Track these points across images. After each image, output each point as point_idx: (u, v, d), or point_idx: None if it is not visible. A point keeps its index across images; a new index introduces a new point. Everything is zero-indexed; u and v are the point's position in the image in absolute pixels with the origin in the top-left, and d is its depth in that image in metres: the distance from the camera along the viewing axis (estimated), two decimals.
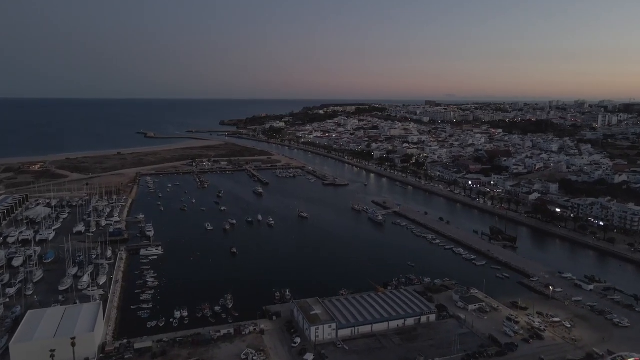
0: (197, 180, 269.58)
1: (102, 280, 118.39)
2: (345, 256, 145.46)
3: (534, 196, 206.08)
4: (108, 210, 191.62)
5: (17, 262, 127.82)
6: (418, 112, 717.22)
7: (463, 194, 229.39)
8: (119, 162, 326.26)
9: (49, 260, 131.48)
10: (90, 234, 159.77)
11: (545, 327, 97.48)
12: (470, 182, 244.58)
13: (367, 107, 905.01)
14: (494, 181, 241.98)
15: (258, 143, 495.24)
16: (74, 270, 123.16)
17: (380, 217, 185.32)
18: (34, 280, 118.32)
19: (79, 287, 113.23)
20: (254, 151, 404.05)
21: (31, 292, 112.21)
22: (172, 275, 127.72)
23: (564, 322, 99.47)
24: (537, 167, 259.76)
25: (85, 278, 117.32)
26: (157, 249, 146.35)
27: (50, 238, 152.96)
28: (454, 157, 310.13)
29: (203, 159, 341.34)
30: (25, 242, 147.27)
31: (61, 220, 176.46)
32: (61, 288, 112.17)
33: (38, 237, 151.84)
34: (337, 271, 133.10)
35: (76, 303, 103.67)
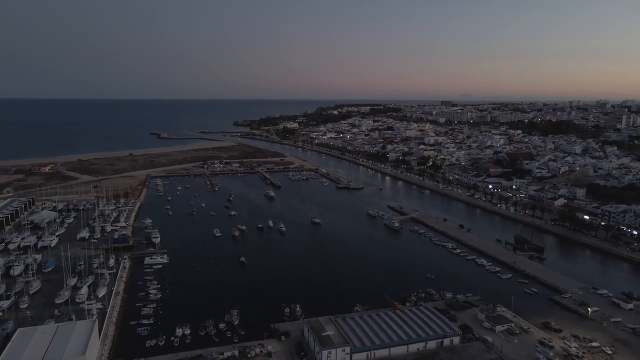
0: (208, 182, 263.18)
1: (102, 292, 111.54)
2: (360, 266, 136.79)
3: (560, 202, 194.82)
4: (115, 214, 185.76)
5: (15, 271, 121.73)
6: (434, 112, 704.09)
7: (483, 198, 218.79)
8: (129, 164, 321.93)
9: (49, 270, 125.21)
10: (95, 240, 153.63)
11: (584, 353, 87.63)
12: (490, 187, 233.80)
13: (381, 107, 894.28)
14: (516, 185, 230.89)
15: (271, 144, 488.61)
16: (73, 281, 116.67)
17: (397, 224, 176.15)
18: (31, 292, 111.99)
19: (77, 300, 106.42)
20: (266, 152, 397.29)
21: (26, 304, 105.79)
22: (176, 287, 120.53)
23: (604, 348, 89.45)
24: (561, 170, 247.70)
25: (84, 290, 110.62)
26: (162, 257, 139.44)
27: (52, 244, 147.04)
28: (473, 160, 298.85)
29: (215, 161, 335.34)
30: (27, 249, 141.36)
31: (66, 225, 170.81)
32: (57, 301, 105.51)
33: (40, 244, 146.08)
34: (351, 283, 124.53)
35: (71, 319, 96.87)
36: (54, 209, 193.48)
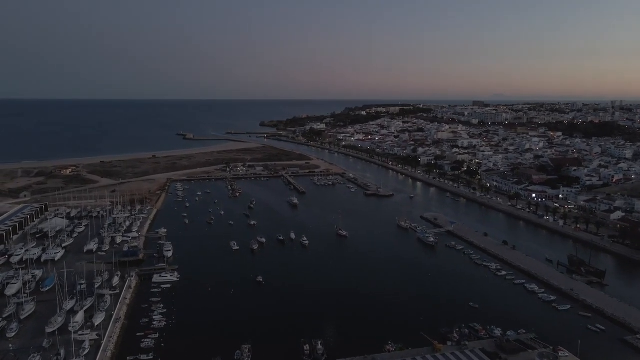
0: (229, 187, 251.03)
1: (99, 318, 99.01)
2: (392, 291, 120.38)
3: (617, 215, 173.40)
4: (128, 223, 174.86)
5: (10, 290, 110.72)
6: (466, 113, 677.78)
7: (527, 209, 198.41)
8: (151, 167, 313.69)
9: (47, 289, 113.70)
10: (103, 253, 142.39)
11: None
12: (534, 196, 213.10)
13: (411, 107, 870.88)
14: (563, 195, 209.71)
15: (297, 146, 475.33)
16: (69, 304, 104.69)
17: (432, 239, 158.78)
18: (23, 316, 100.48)
19: (70, 329, 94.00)
20: (292, 155, 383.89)
21: (14, 332, 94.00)
22: (184, 312, 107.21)
23: None
24: (614, 178, 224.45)
25: (79, 317, 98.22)
26: (171, 275, 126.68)
27: (57, 258, 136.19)
28: (513, 165, 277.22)
29: (238, 164, 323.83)
30: (31, 263, 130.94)
31: (75, 234, 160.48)
32: (48, 330, 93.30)
33: (44, 257, 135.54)
34: (381, 313, 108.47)
35: (59, 354, 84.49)
36: (67, 216, 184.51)
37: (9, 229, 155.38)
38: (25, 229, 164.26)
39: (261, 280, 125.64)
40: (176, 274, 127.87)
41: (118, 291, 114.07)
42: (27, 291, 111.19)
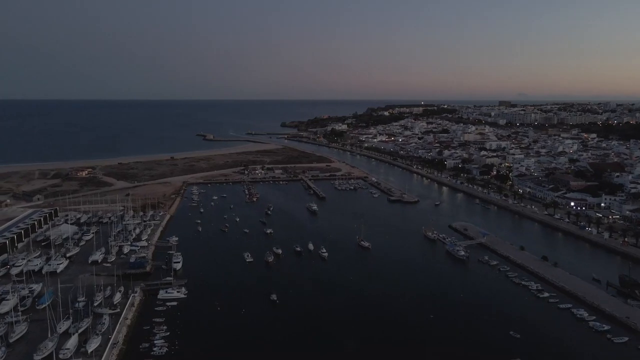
0: (246, 191, 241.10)
1: (95, 343, 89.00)
2: (420, 314, 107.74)
3: None
4: (138, 230, 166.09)
5: (3, 308, 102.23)
6: (492, 113, 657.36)
7: (567, 219, 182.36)
8: (168, 169, 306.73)
9: (43, 306, 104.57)
10: (108, 264, 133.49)
11: None
12: (572, 204, 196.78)
13: (435, 108, 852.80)
14: (605, 203, 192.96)
15: (318, 147, 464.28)
16: (64, 326, 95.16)
17: (463, 252, 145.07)
18: (12, 339, 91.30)
19: (60, 357, 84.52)
20: (312, 157, 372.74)
21: (1, 358, 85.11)
22: (189, 336, 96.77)
23: None
24: None
25: (72, 342, 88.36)
26: (179, 291, 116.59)
27: (59, 269, 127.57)
28: (547, 170, 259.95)
29: (256, 166, 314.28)
30: (31, 274, 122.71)
31: (83, 243, 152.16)
32: (37, 358, 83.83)
33: (45, 269, 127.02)
34: (407, 343, 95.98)
35: None
36: (76, 221, 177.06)
37: (14, 236, 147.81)
38: (31, 236, 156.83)
39: (275, 298, 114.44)
40: (183, 289, 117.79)
41: (118, 310, 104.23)
42: (22, 309, 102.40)
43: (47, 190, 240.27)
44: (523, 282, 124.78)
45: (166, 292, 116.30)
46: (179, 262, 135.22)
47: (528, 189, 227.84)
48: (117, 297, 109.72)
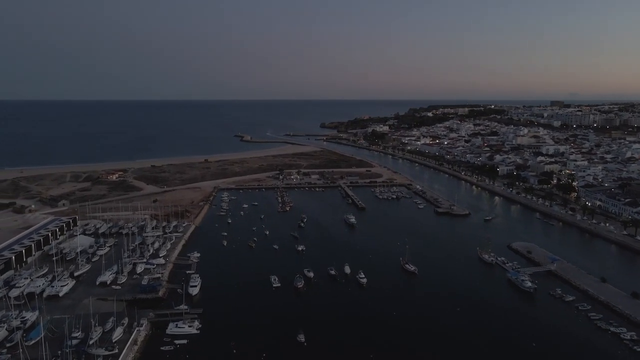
0: (279, 199, 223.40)
1: None
2: None
3: None
4: (158, 244, 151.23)
5: None
6: (545, 114, 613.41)
7: None
8: (200, 172, 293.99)
9: (33, 342, 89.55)
10: (117, 287, 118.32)
11: None
12: None
13: (481, 108, 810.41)
14: None
15: (358, 150, 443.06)
16: None
17: (529, 283, 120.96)
18: None
19: None
20: (351, 161, 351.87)
21: None
22: None
23: None
24: None
25: None
26: (190, 325, 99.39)
27: (62, 293, 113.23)
28: (621, 180, 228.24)
29: (292, 171, 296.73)
30: (32, 298, 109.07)
31: (96, 258, 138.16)
32: None
33: (48, 291, 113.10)
34: None
35: None
36: (95, 232, 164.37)
37: (23, 250, 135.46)
38: (44, 248, 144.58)
39: (303, 340, 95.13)
40: (196, 323, 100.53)
41: (116, 351, 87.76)
42: (8, 344, 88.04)
43: (75, 195, 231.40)
44: (611, 329, 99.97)
45: (176, 325, 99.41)
46: (196, 286, 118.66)
47: (598, 203, 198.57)
48: (118, 333, 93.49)
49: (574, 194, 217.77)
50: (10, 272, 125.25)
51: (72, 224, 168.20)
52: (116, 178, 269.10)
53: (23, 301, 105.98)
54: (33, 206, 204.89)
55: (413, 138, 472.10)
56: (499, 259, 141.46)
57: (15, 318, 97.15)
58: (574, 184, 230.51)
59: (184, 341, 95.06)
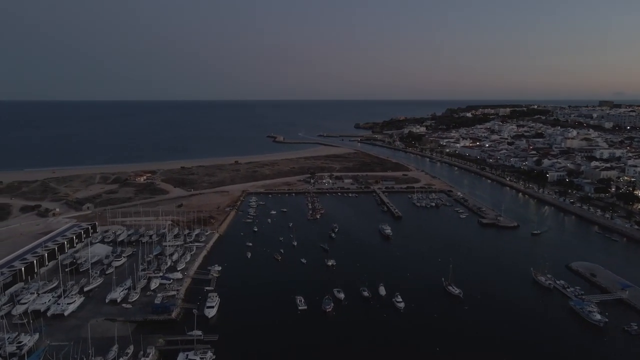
0: (309, 206, 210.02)
1: None
2: None
3: None
4: (177, 255, 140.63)
5: None
6: (594, 115, 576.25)
7: None
8: (229, 175, 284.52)
9: None
10: (128, 306, 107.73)
11: None
12: None
13: (524, 108, 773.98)
14: None
15: (393, 152, 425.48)
16: None
17: (599, 316, 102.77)
18: None
19: None
20: (387, 164, 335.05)
21: None
22: None
23: None
24: None
25: None
26: (202, 357, 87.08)
27: (67, 312, 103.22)
28: None
29: (324, 174, 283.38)
30: (36, 317, 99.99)
31: (111, 269, 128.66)
32: None
33: (52, 309, 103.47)
34: None
35: None
36: (114, 239, 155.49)
37: (35, 260, 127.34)
38: (59, 258, 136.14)
39: None
40: (209, 354, 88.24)
41: None
42: None
43: (101, 197, 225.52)
44: None
45: (187, 357, 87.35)
46: (213, 307, 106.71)
47: None
48: None
49: (639, 205, 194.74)
50: (20, 285, 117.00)
51: (91, 231, 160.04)
52: (144, 180, 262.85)
53: (25, 320, 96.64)
54: (57, 209, 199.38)
55: (452, 140, 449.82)
56: (557, 282, 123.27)
57: (11, 342, 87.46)
58: (637, 192, 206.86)
59: None
